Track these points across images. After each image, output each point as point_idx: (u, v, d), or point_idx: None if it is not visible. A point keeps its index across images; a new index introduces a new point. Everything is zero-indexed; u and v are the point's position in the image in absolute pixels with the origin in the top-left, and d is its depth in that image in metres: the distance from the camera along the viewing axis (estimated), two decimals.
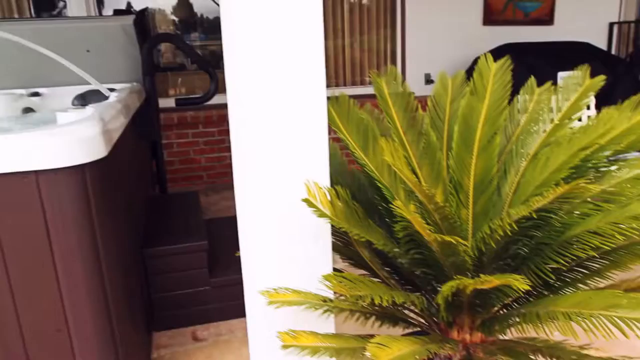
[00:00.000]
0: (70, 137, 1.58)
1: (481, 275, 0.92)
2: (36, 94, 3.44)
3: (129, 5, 5.92)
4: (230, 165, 4.52)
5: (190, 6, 6.35)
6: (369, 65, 5.06)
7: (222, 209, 3.91)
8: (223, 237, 2.89)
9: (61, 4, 5.77)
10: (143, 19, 3.51)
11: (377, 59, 5.07)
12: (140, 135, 3.01)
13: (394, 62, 5.03)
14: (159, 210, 2.89)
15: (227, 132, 4.43)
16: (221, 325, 2.46)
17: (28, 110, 3.34)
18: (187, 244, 2.42)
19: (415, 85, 4.84)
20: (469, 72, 4.73)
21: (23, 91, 3.41)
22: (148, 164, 3.45)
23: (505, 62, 1.40)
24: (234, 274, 2.49)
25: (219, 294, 2.47)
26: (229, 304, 2.48)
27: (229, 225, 3.15)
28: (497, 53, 4.53)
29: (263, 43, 1.07)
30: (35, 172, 1.53)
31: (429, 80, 4.91)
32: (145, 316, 2.30)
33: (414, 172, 1.33)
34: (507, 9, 4.98)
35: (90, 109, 2.10)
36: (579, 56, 4.42)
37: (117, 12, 3.44)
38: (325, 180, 1.16)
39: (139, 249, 2.33)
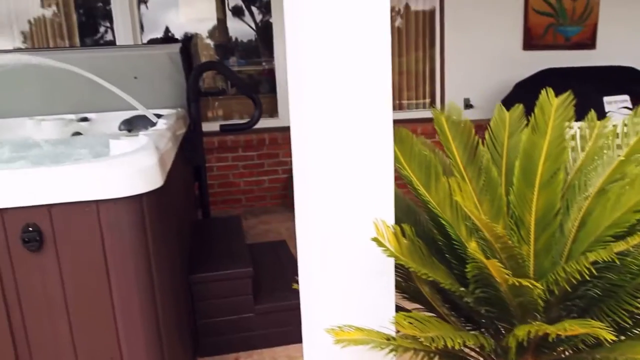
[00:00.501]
0: (130, 167, 1.62)
1: (566, 323, 0.89)
2: (85, 119, 3.55)
3: (167, 30, 6.09)
4: (268, 189, 4.56)
5: (226, 30, 6.49)
6: (408, 88, 5.07)
7: (261, 233, 3.93)
8: (265, 263, 2.90)
9: (102, 29, 5.94)
10: (188, 47, 3.60)
11: (415, 83, 5.07)
12: (186, 161, 3.06)
13: (432, 85, 5.02)
14: (203, 235, 2.92)
15: (266, 156, 4.49)
16: (264, 353, 2.44)
17: (77, 134, 3.45)
18: (233, 271, 2.42)
19: None
20: (510, 97, 4.64)
21: (73, 116, 3.53)
22: (191, 188, 3.51)
23: (567, 97, 1.38)
24: (278, 301, 2.49)
25: (262, 320, 2.47)
26: (273, 331, 2.47)
27: (270, 250, 3.17)
28: (538, 78, 4.49)
29: (331, 75, 1.09)
30: (96, 201, 1.57)
31: (468, 105, 4.87)
32: (191, 342, 2.31)
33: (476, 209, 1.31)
34: (548, 33, 4.93)
35: (143, 137, 2.15)
36: (623, 81, 4.32)
37: (164, 40, 3.55)
38: (390, 217, 1.15)
39: (186, 275, 2.35)
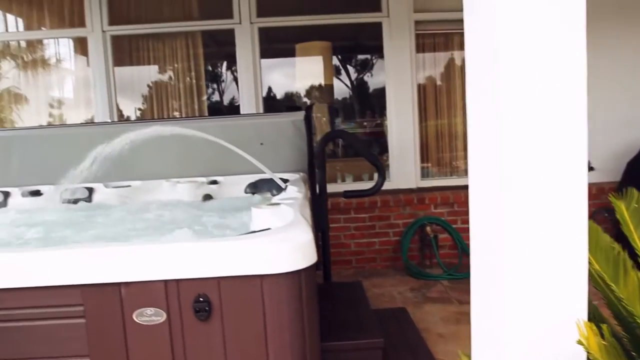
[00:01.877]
0: (291, 244, 1.70)
1: None
2: (214, 182, 3.79)
3: (269, 90, 6.46)
4: (379, 252, 4.56)
5: (333, 92, 6.74)
6: None
7: (374, 297, 3.90)
8: (389, 331, 2.87)
9: (204, 89, 6.42)
10: (310, 114, 3.79)
11: None
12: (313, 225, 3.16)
13: None
14: (328, 300, 2.96)
15: (378, 218, 4.51)
16: None
17: (207, 197, 3.69)
18: (364, 341, 2.42)
19: None
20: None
21: (204, 179, 3.78)
22: None
23: None
24: None
25: None
26: None
27: (392, 317, 3.14)
28: None
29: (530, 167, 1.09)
30: (261, 276, 1.66)
31: (588, 167, 4.64)
32: None
33: None
34: None
35: (285, 207, 2.25)
36: None
37: (289, 109, 3.78)
38: (584, 314, 1.12)
39: (319, 343, 2.38)
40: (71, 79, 5.41)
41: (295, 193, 2.71)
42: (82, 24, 4.68)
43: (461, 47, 4.76)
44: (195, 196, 3.69)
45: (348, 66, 7.20)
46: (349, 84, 7.18)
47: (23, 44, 5.14)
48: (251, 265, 1.65)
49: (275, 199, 2.69)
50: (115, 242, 1.97)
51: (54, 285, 1.65)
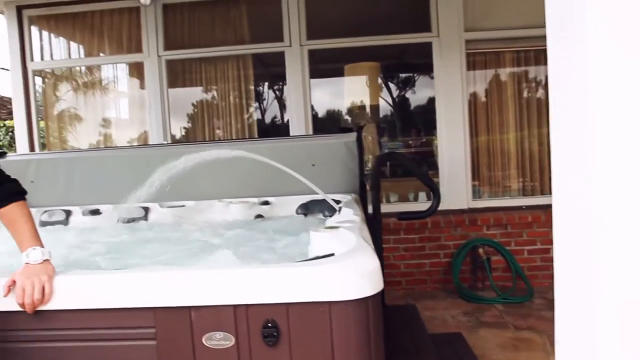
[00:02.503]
0: (360, 270, 1.70)
1: None
2: (266, 203, 3.83)
3: (312, 108, 6.50)
4: (429, 273, 4.49)
5: (378, 110, 6.72)
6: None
7: (426, 319, 3.81)
8: (445, 357, 2.81)
9: (251, 109, 6.55)
10: (360, 135, 3.80)
11: None
12: None
13: None
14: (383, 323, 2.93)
15: (427, 239, 4.45)
16: None
17: (259, 217, 3.73)
18: None
19: None
20: None
21: (256, 200, 3.83)
22: None
23: None
24: None
25: None
26: None
27: (447, 343, 3.07)
28: None
29: None
30: (329, 302, 1.66)
31: None
32: None
33: None
34: None
35: (346, 231, 2.25)
36: None
37: (342, 130, 3.81)
38: None
39: None
40: (125, 101, 5.62)
41: (352, 216, 2.71)
42: (139, 49, 4.87)
43: (512, 64, 4.71)
44: (247, 216, 3.73)
45: (390, 84, 7.19)
46: (390, 101, 7.17)
47: (82, 68, 5.38)
48: (320, 292, 1.65)
49: (330, 221, 2.69)
50: (186, 266, 2.01)
51: (129, 307, 1.69)
